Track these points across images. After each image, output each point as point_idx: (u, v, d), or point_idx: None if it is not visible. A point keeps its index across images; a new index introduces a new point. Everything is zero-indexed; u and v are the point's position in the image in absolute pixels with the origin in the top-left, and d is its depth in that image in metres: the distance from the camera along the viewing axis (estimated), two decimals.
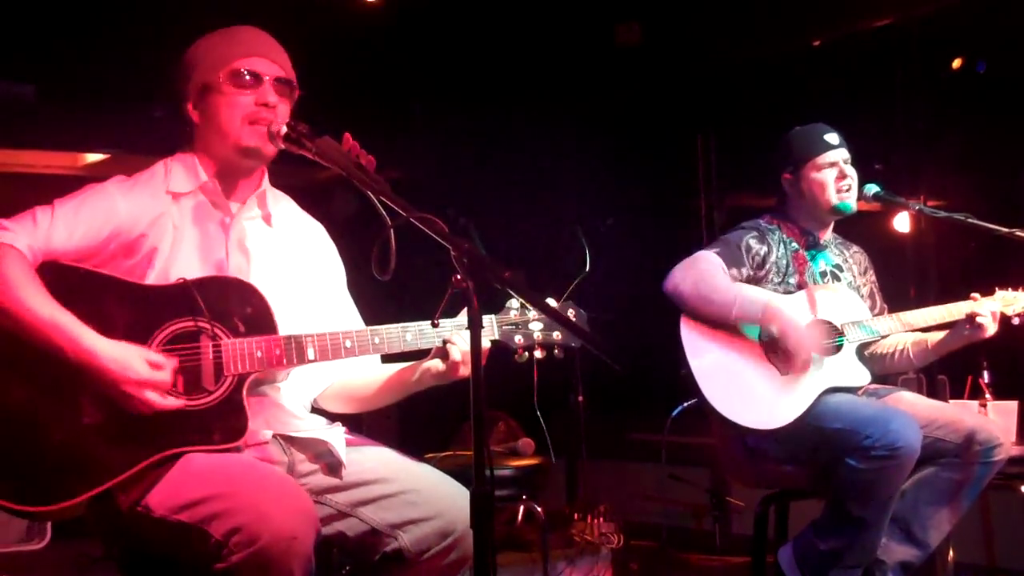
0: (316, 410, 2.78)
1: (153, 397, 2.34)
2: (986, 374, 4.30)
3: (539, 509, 4.48)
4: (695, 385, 3.49)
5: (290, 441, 2.58)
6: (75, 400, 2.35)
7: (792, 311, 3.49)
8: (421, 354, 2.64)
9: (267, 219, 2.71)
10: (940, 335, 3.64)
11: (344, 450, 2.59)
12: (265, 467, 2.47)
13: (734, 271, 3.59)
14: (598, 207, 6.75)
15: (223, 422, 2.42)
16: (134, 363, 2.34)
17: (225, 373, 2.44)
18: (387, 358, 2.73)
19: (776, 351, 3.51)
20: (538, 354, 2.68)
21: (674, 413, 4.68)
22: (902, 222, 5.51)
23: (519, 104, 6.66)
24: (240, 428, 2.43)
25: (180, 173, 2.63)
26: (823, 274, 3.74)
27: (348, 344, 2.54)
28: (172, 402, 2.37)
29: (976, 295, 3.61)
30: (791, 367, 3.49)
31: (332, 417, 2.74)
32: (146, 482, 2.36)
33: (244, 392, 2.45)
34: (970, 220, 3.62)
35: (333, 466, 2.57)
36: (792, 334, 3.44)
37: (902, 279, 5.58)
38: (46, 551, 5.03)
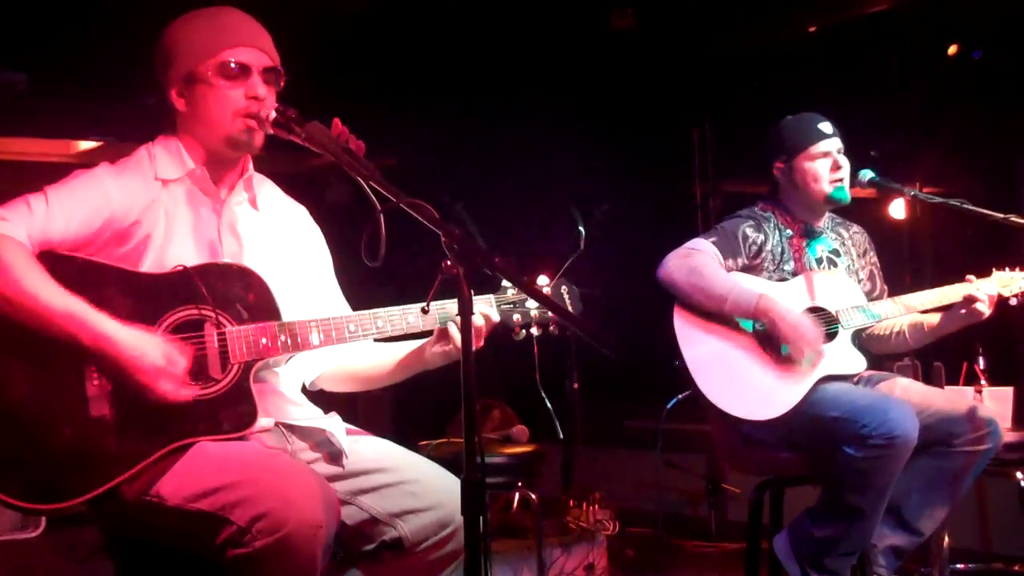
0: (310, 394, 2.76)
1: (168, 387, 2.31)
2: (981, 360, 4.31)
3: (534, 496, 4.48)
4: (689, 377, 3.46)
5: (291, 429, 2.57)
6: (82, 394, 2.31)
7: (787, 302, 3.47)
8: (416, 334, 2.63)
9: (253, 202, 2.68)
10: (936, 317, 3.63)
11: (344, 439, 2.58)
12: (283, 455, 2.46)
13: (729, 261, 3.57)
14: (593, 193, 6.73)
15: (232, 410, 2.39)
16: (150, 350, 2.30)
17: (231, 361, 2.41)
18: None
19: (771, 343, 3.50)
20: (535, 331, 2.68)
21: (669, 405, 4.67)
22: (898, 208, 5.53)
23: (513, 90, 6.63)
24: (250, 416, 2.41)
25: (166, 159, 2.57)
26: (819, 260, 3.70)
27: (352, 328, 2.53)
28: (185, 393, 2.34)
29: (971, 277, 3.59)
30: (790, 358, 3.46)
31: (326, 405, 2.72)
32: (154, 472, 2.33)
33: (251, 380, 2.43)
34: (965, 206, 3.60)
35: (334, 455, 2.56)
36: (785, 326, 3.41)
37: (898, 265, 5.57)
38: (40, 539, 5.01)
